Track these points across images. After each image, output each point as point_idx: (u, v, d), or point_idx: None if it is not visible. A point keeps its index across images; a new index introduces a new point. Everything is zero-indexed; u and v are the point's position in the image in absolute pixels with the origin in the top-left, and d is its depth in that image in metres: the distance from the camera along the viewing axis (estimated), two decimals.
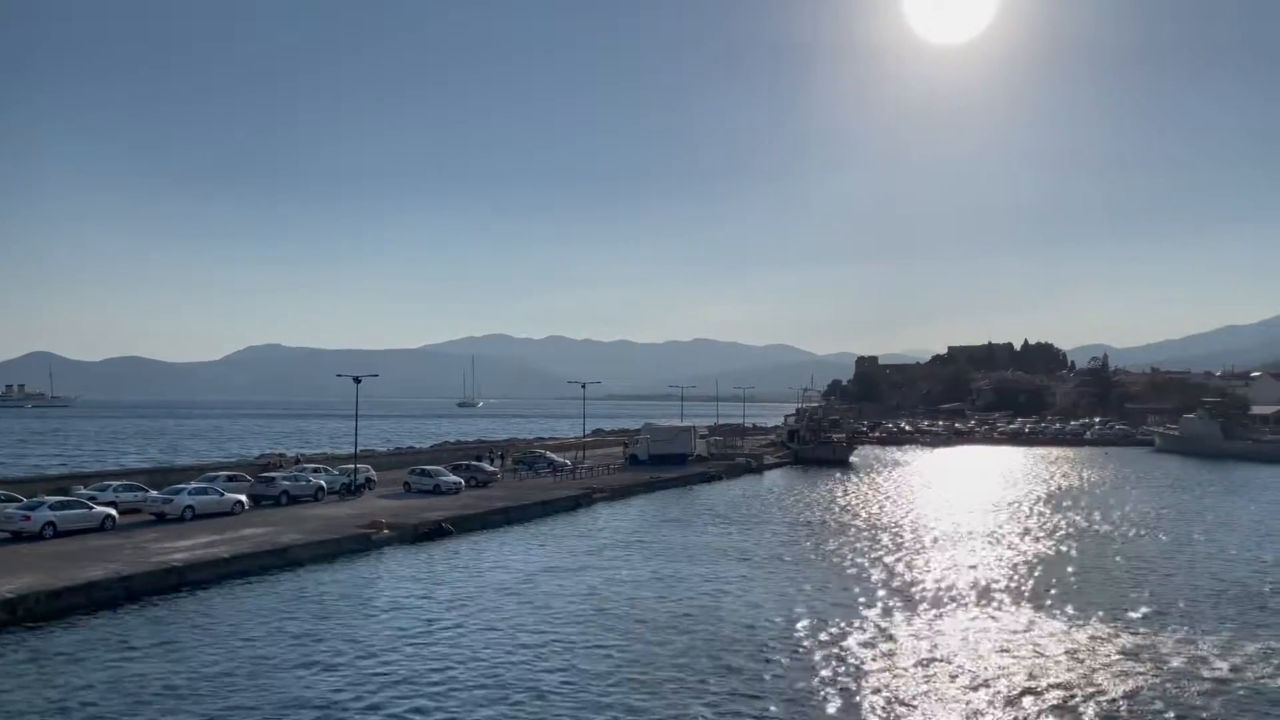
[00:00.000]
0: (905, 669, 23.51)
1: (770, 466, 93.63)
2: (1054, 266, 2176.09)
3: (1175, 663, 24.15)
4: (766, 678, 22.74)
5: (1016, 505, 60.96)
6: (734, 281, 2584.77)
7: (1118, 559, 40.61)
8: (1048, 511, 57.63)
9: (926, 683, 22.35)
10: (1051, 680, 22.58)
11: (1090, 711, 20.48)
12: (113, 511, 41.11)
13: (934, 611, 29.85)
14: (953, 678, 22.77)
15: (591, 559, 39.41)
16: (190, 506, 43.82)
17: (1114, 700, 21.15)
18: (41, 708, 20.21)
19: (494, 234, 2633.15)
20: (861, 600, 31.53)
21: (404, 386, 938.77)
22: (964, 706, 20.77)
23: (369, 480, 58.47)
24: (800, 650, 25.16)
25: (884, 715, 20.25)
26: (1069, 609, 30.26)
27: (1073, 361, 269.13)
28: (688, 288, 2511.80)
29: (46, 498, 40.68)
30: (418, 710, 20.38)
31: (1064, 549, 43.13)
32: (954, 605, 30.84)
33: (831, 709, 20.68)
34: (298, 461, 68.78)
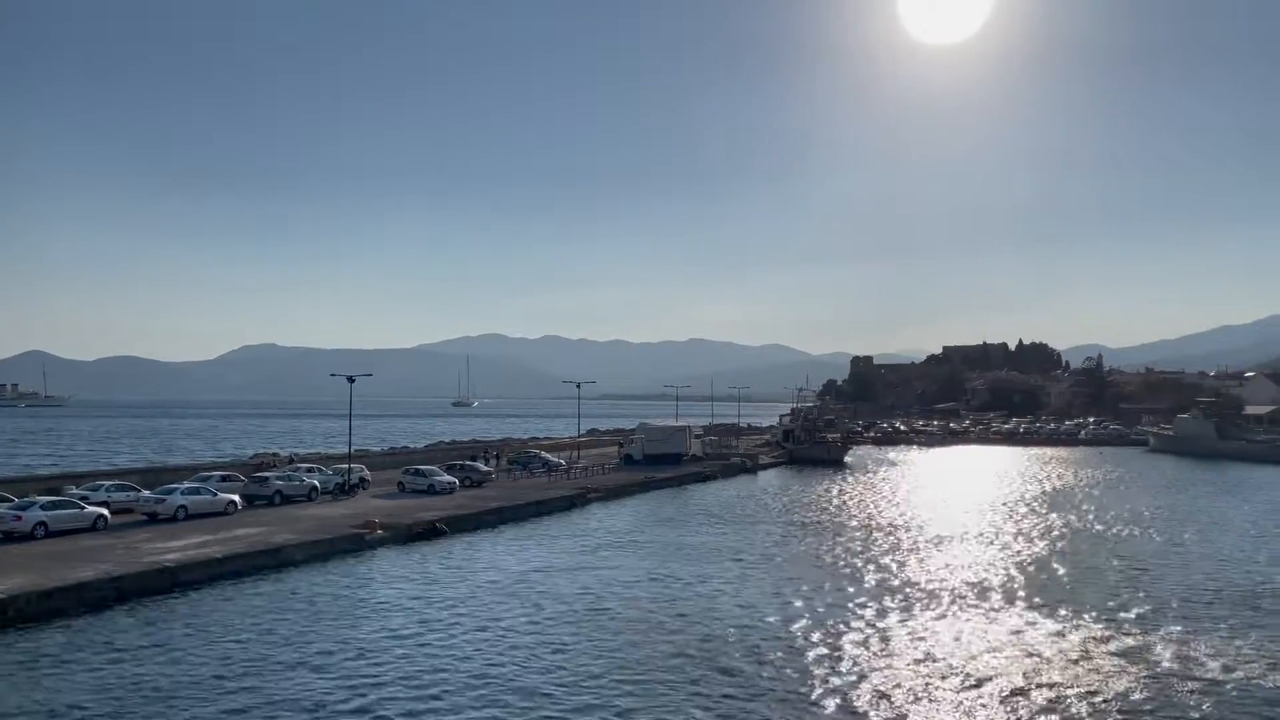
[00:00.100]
0: (899, 669, 23.47)
1: (765, 466, 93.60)
2: (1049, 266, 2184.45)
3: (1169, 663, 24.15)
4: (760, 678, 22.69)
5: (1011, 505, 60.98)
6: (733, 281, 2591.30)
7: (1112, 559, 40.61)
8: (1042, 512, 57.67)
9: (920, 683, 22.30)
10: (1045, 680, 22.56)
11: (1084, 712, 20.46)
12: (105, 511, 40.95)
13: (928, 612, 29.82)
14: (946, 678, 22.74)
15: (586, 559, 39.34)
16: (183, 506, 43.66)
17: (1108, 700, 21.13)
18: (31, 710, 20.08)
19: (493, 234, 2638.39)
20: (855, 600, 31.48)
21: (399, 386, 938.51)
22: (958, 707, 20.73)
23: (363, 480, 58.36)
24: (794, 651, 25.11)
25: (878, 715, 20.22)
26: (1063, 609, 30.25)
27: (1067, 361, 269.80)
28: (686, 288, 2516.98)
29: (38, 497, 40.51)
30: (410, 712, 20.28)
31: (1058, 549, 43.14)
32: (948, 605, 30.81)
33: (825, 710, 20.62)
34: (291, 461, 68.64)
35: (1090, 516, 55.43)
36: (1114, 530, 49.94)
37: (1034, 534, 47.92)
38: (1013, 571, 37.20)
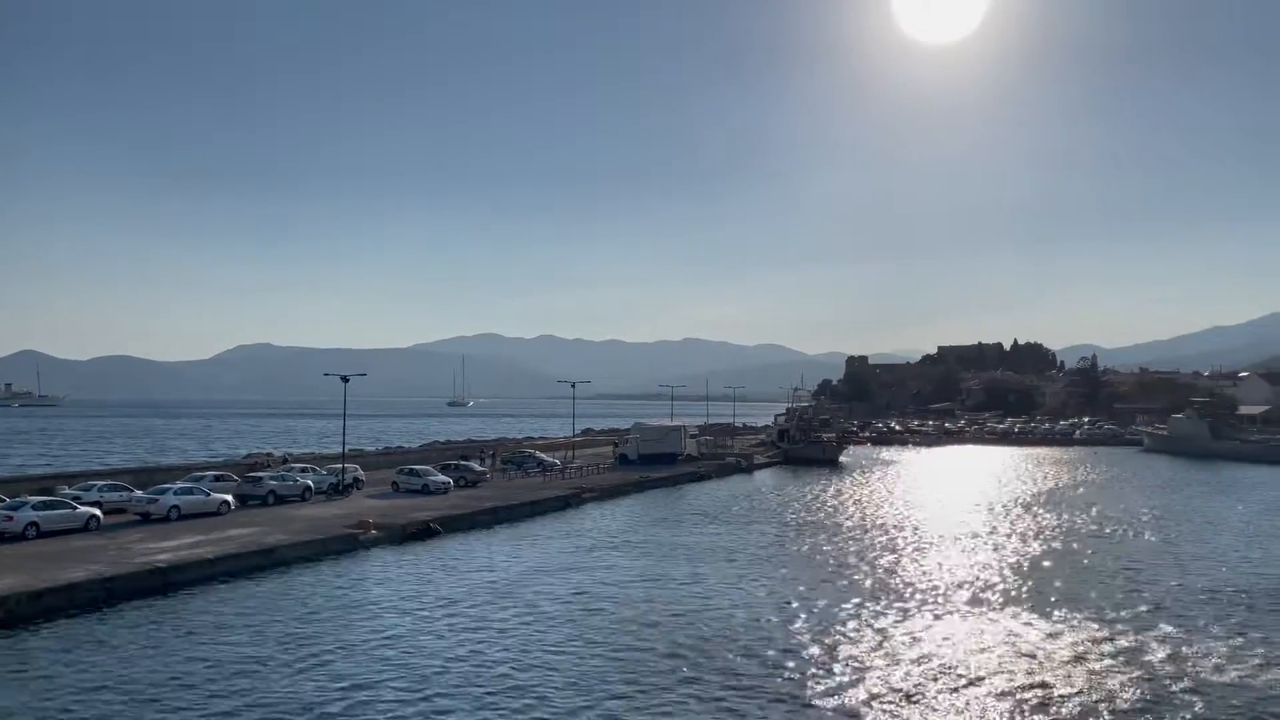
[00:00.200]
0: (894, 669, 23.42)
1: (760, 466, 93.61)
2: (1045, 266, 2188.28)
3: (1164, 663, 24.14)
4: (755, 678, 22.62)
5: (1006, 505, 61.02)
6: (730, 281, 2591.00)
7: (1107, 559, 40.64)
8: (1037, 511, 57.72)
9: (915, 683, 22.25)
10: (1040, 680, 22.52)
11: (1079, 711, 20.43)
12: (97, 512, 40.77)
13: (923, 612, 29.78)
14: (941, 678, 22.69)
15: (580, 559, 39.26)
16: (176, 506, 43.50)
17: (1103, 700, 21.11)
18: (21, 712, 19.95)
19: (493, 234, 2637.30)
20: (850, 601, 31.43)
21: (394, 386, 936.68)
22: (953, 707, 20.68)
23: (357, 480, 58.18)
24: (788, 651, 25.05)
25: (873, 715, 20.16)
26: (1058, 609, 30.24)
27: (1062, 361, 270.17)
28: (685, 288, 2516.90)
29: (30, 498, 40.32)
30: (403, 713, 20.19)
31: (1053, 549, 43.16)
32: (943, 605, 30.78)
33: (820, 710, 20.57)
34: (285, 461, 68.47)
35: (1085, 517, 55.48)
36: (1109, 530, 49.98)
37: (1029, 534, 47.94)
38: (1007, 572, 37.20)
